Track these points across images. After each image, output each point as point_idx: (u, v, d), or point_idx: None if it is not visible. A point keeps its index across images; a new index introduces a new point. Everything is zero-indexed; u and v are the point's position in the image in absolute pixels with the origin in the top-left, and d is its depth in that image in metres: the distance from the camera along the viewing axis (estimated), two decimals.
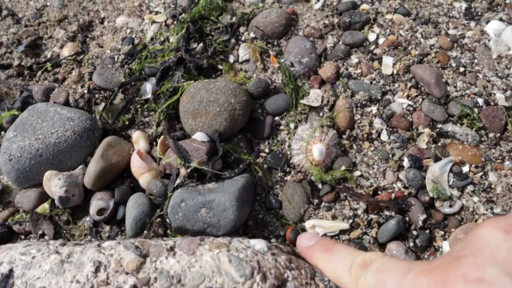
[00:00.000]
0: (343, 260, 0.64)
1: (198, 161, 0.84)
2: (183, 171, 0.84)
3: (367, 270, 0.58)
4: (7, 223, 0.89)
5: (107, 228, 0.89)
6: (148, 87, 1.01)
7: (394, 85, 1.00)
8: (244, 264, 0.68)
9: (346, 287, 0.63)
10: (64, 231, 0.89)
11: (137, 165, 0.89)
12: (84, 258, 0.70)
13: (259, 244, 0.73)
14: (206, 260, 0.69)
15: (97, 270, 0.69)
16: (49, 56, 1.12)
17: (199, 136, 0.88)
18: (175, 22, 1.11)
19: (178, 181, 0.84)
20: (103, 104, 1.01)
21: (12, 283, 0.71)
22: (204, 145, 0.87)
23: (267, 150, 0.93)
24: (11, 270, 0.72)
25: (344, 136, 0.93)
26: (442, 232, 0.87)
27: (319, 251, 0.69)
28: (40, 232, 0.88)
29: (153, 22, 1.12)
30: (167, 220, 0.82)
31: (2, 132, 1.01)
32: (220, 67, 1.03)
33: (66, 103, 1.00)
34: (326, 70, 0.99)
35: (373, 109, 0.96)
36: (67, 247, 0.74)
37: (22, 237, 0.89)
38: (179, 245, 0.72)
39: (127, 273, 0.68)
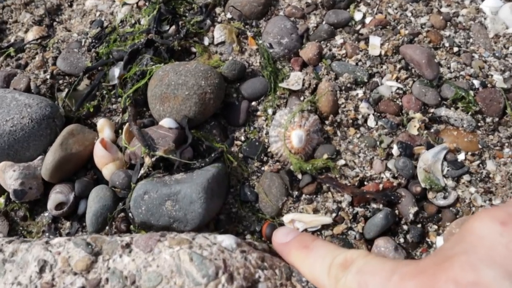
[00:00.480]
0: (322, 258, 0.56)
1: (165, 149, 0.76)
2: (147, 161, 0.76)
3: (347, 271, 0.50)
4: None
5: (68, 224, 0.81)
6: (116, 72, 0.93)
7: (382, 67, 0.91)
8: (207, 263, 0.60)
9: None
10: (21, 228, 0.82)
11: (100, 155, 0.81)
12: (29, 257, 0.63)
13: (227, 240, 0.65)
14: (164, 259, 0.61)
15: (41, 270, 0.61)
16: (12, 41, 1.04)
17: (167, 122, 0.80)
18: (147, 4, 1.03)
19: (142, 171, 0.76)
20: (67, 90, 0.92)
21: None
22: (172, 132, 0.79)
23: (242, 138, 0.85)
24: None
25: (327, 122, 0.85)
26: (435, 227, 0.79)
27: (296, 248, 0.62)
28: None
29: (124, 4, 1.04)
30: (130, 214, 0.74)
31: None
32: (193, 50, 0.94)
33: (28, 90, 0.92)
34: (308, 51, 0.91)
35: (359, 92, 0.88)
36: (12, 244, 0.66)
37: None
38: (136, 241, 0.64)
39: (75, 274, 0.60)
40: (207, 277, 0.59)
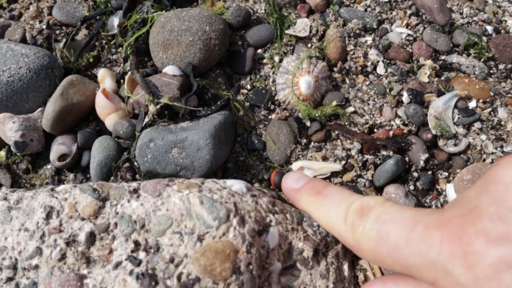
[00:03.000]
0: (337, 205, 0.54)
1: (169, 97, 0.74)
2: (152, 108, 0.74)
3: (365, 219, 0.48)
4: None
5: (71, 176, 0.79)
6: (115, 22, 0.89)
7: (391, 13, 0.88)
8: (218, 206, 0.58)
9: (340, 236, 0.54)
10: (23, 181, 0.80)
11: (102, 105, 0.79)
12: (35, 204, 0.61)
13: (237, 184, 0.64)
14: (174, 202, 0.59)
15: (48, 216, 0.59)
16: None
17: (170, 69, 0.78)
18: None
19: (146, 119, 0.74)
20: (65, 41, 0.89)
21: None
22: (176, 79, 0.77)
23: (248, 87, 0.82)
24: None
25: (335, 69, 0.82)
26: (446, 174, 0.77)
27: (308, 194, 0.60)
28: None
29: None
30: (135, 163, 0.72)
31: None
32: None
33: (23, 41, 0.89)
34: None
35: (368, 39, 0.85)
36: (17, 193, 0.64)
37: None
38: (143, 186, 0.62)
39: (83, 219, 0.59)
40: (219, 220, 0.57)
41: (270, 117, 0.80)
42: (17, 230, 0.59)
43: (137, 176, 0.74)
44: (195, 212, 0.58)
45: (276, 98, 0.81)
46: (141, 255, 0.55)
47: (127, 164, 0.75)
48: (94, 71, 0.87)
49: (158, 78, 0.77)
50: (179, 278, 0.54)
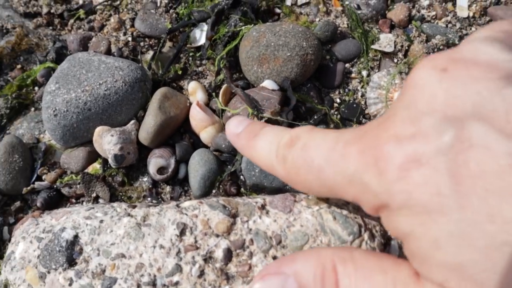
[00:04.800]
0: (270, 143, 0.51)
1: (272, 111, 0.75)
2: None
3: (293, 149, 0.46)
4: (55, 186, 0.80)
5: (168, 188, 0.80)
6: (197, 34, 0.90)
7: (471, 29, 0.91)
8: (350, 221, 0.60)
9: (274, 172, 0.52)
10: (120, 194, 0.81)
11: (198, 118, 0.80)
12: (164, 221, 0.62)
13: None
14: (306, 218, 0.61)
15: (182, 233, 0.60)
16: (81, 2, 1.00)
17: (269, 84, 0.79)
18: None
19: None
20: (149, 52, 0.90)
21: (79, 250, 0.63)
22: (276, 93, 0.78)
23: (338, 100, 0.84)
24: (76, 236, 0.64)
25: None
26: None
27: (246, 139, 0.56)
28: (94, 195, 0.80)
29: None
30: (241, 177, 0.74)
31: (36, 88, 0.90)
32: (277, 10, 0.92)
33: (108, 52, 0.90)
34: (398, 12, 0.90)
35: None
36: (139, 208, 0.65)
37: (73, 200, 0.81)
38: (270, 202, 0.64)
39: (217, 236, 0.60)
40: (353, 235, 0.59)
41: None
42: (151, 247, 0.60)
43: (241, 189, 0.75)
44: (329, 228, 0.60)
45: (366, 112, 0.83)
46: None
47: (228, 178, 0.77)
48: (181, 83, 0.88)
49: (256, 92, 0.79)
50: None
